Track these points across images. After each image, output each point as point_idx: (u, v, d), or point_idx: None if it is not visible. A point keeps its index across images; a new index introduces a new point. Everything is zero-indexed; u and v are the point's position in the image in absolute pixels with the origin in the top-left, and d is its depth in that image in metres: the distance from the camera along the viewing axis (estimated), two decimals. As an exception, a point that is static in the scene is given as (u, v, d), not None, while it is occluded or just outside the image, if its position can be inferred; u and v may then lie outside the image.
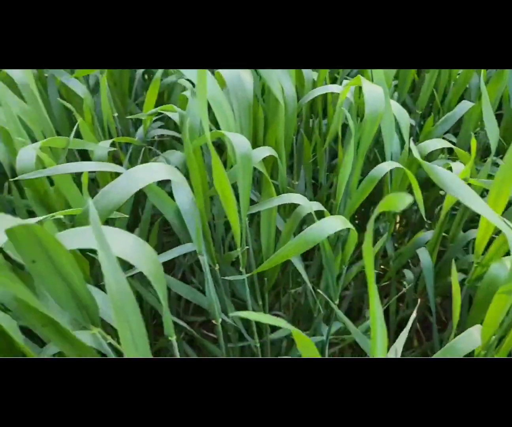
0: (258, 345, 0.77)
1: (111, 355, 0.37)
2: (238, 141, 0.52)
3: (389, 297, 1.21)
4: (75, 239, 0.33)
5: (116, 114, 0.80)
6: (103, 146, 0.62)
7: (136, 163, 0.78)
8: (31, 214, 0.66)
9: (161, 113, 0.78)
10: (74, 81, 0.67)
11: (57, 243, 0.29)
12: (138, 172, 0.41)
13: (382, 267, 1.09)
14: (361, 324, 0.86)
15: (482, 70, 0.70)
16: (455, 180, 0.50)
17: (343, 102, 0.64)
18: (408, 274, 1.01)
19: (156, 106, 0.74)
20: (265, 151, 0.58)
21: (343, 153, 0.73)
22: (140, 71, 0.88)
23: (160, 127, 0.84)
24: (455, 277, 0.52)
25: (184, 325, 0.75)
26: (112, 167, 0.47)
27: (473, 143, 0.63)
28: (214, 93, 0.53)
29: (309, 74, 0.69)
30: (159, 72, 0.71)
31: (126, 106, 0.87)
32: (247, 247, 0.62)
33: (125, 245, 0.34)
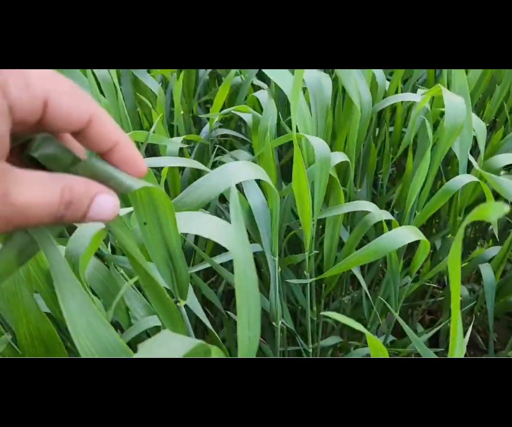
0: (310, 350, 0.76)
1: (191, 330, 0.37)
2: (318, 144, 0.52)
3: (440, 313, 1.17)
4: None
5: (181, 112, 0.82)
6: (176, 142, 0.63)
7: (201, 160, 0.79)
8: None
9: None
10: (149, 78, 0.68)
11: (169, 208, 0.30)
12: (230, 170, 0.41)
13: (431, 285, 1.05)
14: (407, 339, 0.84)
15: None
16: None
17: (420, 111, 0.62)
18: (463, 290, 0.98)
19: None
20: (339, 156, 0.58)
21: (412, 163, 0.71)
22: (205, 71, 0.89)
23: (220, 126, 0.85)
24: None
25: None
26: (198, 164, 0.47)
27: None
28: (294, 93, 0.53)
29: (383, 80, 0.68)
30: (232, 72, 0.71)
31: (190, 105, 0.88)
32: (316, 252, 0.61)
33: (219, 229, 0.36)
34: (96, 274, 0.49)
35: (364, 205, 0.60)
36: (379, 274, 0.99)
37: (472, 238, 1.10)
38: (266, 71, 0.54)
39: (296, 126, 0.50)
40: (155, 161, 0.48)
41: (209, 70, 0.85)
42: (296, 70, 0.43)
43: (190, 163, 0.47)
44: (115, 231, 0.28)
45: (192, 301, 0.50)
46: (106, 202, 0.25)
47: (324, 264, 0.71)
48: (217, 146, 0.77)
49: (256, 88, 0.86)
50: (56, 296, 0.24)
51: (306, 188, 0.51)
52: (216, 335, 0.47)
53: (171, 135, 0.81)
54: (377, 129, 0.80)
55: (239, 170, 0.41)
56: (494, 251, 0.83)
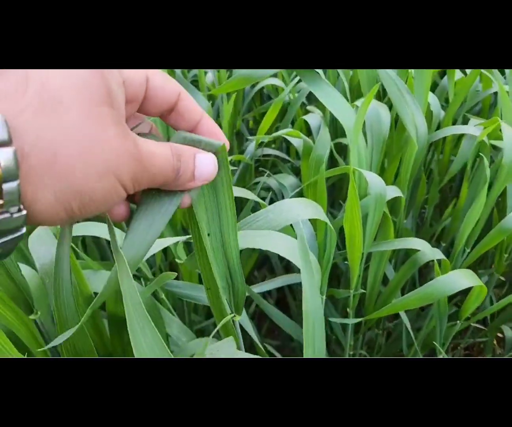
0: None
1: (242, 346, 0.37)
2: (373, 180, 0.49)
3: (478, 349, 1.12)
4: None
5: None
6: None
7: (243, 179, 0.78)
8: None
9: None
10: (199, 95, 0.67)
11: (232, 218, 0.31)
12: (287, 207, 0.39)
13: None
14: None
15: None
16: None
17: (478, 145, 0.59)
18: (508, 332, 0.92)
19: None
20: (393, 191, 0.55)
21: (465, 197, 0.68)
22: (251, 89, 0.88)
23: (264, 145, 0.84)
24: None
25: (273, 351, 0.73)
26: (251, 195, 0.46)
27: None
28: (351, 124, 0.51)
29: (438, 110, 0.65)
30: (282, 94, 0.70)
31: (234, 121, 0.88)
32: (363, 291, 0.59)
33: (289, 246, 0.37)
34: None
35: (417, 243, 0.58)
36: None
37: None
38: (319, 97, 0.52)
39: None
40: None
41: (256, 89, 0.84)
42: (361, 104, 0.41)
43: (244, 193, 0.45)
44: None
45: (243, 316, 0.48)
46: (207, 160, 0.28)
47: (366, 300, 0.68)
48: (259, 165, 0.75)
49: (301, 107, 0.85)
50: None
51: (359, 226, 0.48)
52: (264, 350, 0.46)
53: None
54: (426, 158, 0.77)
55: (296, 208, 0.39)
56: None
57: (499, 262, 0.75)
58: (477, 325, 0.92)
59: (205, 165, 0.27)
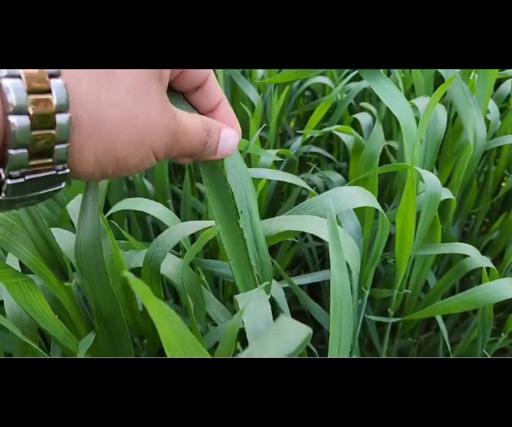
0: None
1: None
2: (430, 179, 0.48)
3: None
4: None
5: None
6: (271, 155, 0.62)
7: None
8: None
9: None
10: (250, 87, 0.68)
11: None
12: (346, 193, 0.39)
13: None
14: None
15: None
16: None
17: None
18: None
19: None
20: (445, 193, 0.54)
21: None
22: (298, 88, 0.88)
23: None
24: None
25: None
26: (300, 182, 0.46)
27: None
28: (409, 123, 0.50)
29: (496, 118, 0.63)
30: (332, 93, 0.69)
31: (280, 117, 0.88)
32: (406, 291, 0.57)
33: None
34: (181, 275, 0.48)
35: (465, 248, 0.56)
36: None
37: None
38: (378, 92, 0.51)
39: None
40: (260, 173, 0.47)
41: (304, 86, 0.84)
42: (429, 103, 0.41)
43: (293, 179, 0.45)
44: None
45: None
46: (230, 135, 0.29)
47: (406, 304, 0.67)
48: (302, 163, 0.75)
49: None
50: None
51: (412, 223, 0.47)
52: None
53: (261, 146, 0.80)
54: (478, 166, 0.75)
55: (354, 195, 0.39)
56: None
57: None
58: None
59: (228, 141, 0.29)
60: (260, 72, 0.81)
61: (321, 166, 0.85)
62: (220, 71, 0.61)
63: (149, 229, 0.69)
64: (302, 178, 0.76)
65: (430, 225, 0.59)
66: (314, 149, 0.78)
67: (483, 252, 0.81)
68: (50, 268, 0.38)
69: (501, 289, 0.52)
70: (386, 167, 0.51)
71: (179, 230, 0.43)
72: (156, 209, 0.53)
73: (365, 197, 0.41)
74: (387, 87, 0.50)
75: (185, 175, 0.62)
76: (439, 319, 0.68)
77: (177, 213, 0.59)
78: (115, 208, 0.53)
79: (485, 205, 0.72)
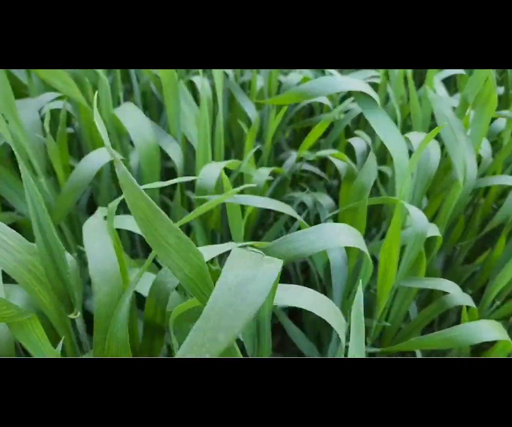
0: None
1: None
2: (417, 217, 0.49)
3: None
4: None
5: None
6: (263, 174, 0.62)
7: (279, 192, 0.78)
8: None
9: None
10: (248, 102, 0.68)
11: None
12: (329, 231, 0.39)
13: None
14: None
15: None
16: None
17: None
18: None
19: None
20: (432, 230, 0.54)
21: (503, 247, 0.66)
22: (295, 105, 0.88)
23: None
24: None
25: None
26: (290, 210, 0.46)
27: None
28: (402, 157, 0.50)
29: (488, 154, 0.64)
30: (331, 113, 0.69)
31: (275, 133, 0.88)
32: (385, 323, 0.58)
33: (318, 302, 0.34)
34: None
35: (448, 286, 0.56)
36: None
37: None
38: (372, 123, 0.51)
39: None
40: (248, 200, 0.47)
41: (302, 104, 0.84)
42: (422, 142, 0.41)
43: (282, 207, 0.45)
44: None
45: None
46: None
47: (386, 334, 0.67)
48: (294, 180, 0.75)
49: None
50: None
51: (395, 259, 0.48)
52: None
53: (255, 159, 0.80)
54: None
55: (339, 234, 0.39)
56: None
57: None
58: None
59: None
60: (259, 83, 0.81)
61: (312, 182, 0.86)
62: (219, 85, 0.60)
63: (136, 243, 0.69)
64: (293, 196, 0.76)
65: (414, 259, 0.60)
66: (307, 167, 0.79)
67: (466, 283, 0.82)
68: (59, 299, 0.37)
69: (479, 331, 0.52)
70: (376, 200, 0.51)
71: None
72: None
73: (352, 237, 0.41)
74: (382, 119, 0.50)
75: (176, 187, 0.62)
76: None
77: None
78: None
79: (470, 240, 0.73)
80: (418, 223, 0.48)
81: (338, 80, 0.52)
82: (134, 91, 0.71)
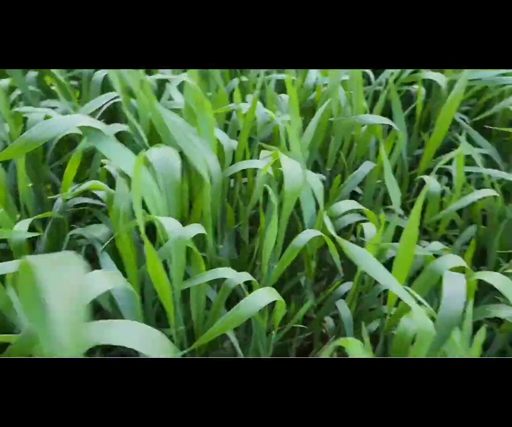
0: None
1: None
2: (170, 225, 0.53)
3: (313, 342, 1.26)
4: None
5: (30, 184, 0.77)
6: (22, 231, 0.59)
7: (57, 235, 0.75)
8: None
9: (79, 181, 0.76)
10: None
11: None
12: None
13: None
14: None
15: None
16: (365, 256, 0.56)
17: (264, 177, 0.68)
18: (330, 322, 1.06)
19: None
20: (194, 229, 0.60)
21: (265, 222, 0.77)
22: (52, 142, 0.85)
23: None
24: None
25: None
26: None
27: (383, 218, 0.71)
28: (142, 175, 0.54)
29: (229, 145, 0.73)
30: (84, 140, 0.69)
31: (40, 172, 0.84)
32: (182, 328, 0.62)
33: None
34: None
35: (224, 272, 0.63)
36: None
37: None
38: (105, 153, 0.53)
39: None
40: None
41: (56, 140, 0.82)
42: (136, 160, 0.44)
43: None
44: None
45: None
46: None
47: (196, 332, 0.71)
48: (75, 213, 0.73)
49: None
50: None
51: (160, 270, 0.51)
52: None
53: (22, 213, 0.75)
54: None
55: (100, 281, 0.41)
56: (347, 285, 0.91)
57: (309, 272, 0.87)
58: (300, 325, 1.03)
59: None
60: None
61: (92, 212, 0.84)
62: None
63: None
64: (73, 235, 0.74)
65: (192, 259, 0.65)
66: (80, 201, 0.77)
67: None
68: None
69: (259, 300, 0.60)
70: (134, 223, 0.54)
71: None
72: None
73: (110, 283, 0.43)
74: (112, 146, 0.53)
75: None
76: (233, 338, 0.75)
77: None
78: None
79: (244, 221, 0.82)
80: (172, 230, 0.53)
81: (63, 121, 0.52)
82: None
